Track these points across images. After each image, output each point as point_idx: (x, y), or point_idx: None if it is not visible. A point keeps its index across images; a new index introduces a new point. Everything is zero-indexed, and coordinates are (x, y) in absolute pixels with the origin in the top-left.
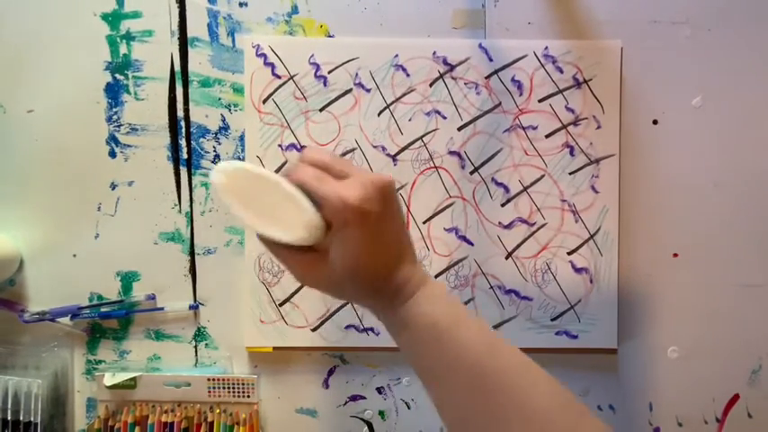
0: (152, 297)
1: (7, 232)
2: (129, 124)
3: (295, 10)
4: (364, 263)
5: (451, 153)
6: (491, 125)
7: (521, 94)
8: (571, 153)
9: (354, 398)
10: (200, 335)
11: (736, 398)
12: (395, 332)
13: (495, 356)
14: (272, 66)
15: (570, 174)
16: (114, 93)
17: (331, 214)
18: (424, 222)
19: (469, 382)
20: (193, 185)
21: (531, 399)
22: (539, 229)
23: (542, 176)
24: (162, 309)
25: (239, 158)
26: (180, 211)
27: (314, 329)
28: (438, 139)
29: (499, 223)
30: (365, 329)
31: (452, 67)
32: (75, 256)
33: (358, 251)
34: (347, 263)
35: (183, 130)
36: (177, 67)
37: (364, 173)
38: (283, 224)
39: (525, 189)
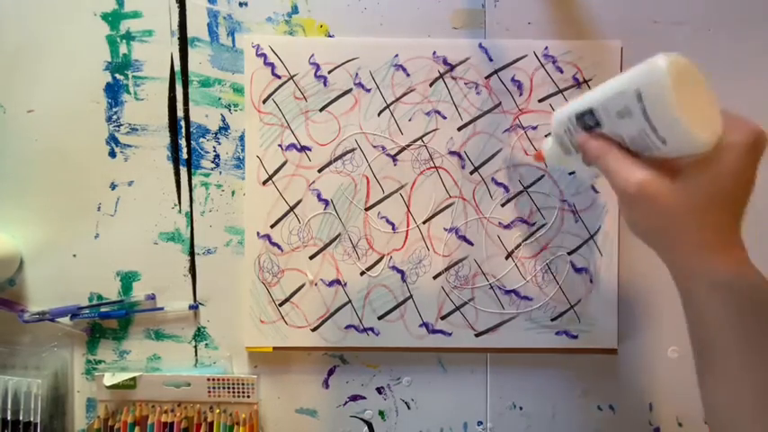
0: (152, 297)
1: (7, 232)
2: (129, 124)
3: (295, 10)
4: (730, 195)
5: (451, 153)
6: (491, 125)
7: (521, 94)
8: None
9: (354, 398)
10: (200, 335)
11: None
12: (709, 298)
13: None
14: (272, 66)
15: (570, 174)
16: (114, 93)
17: (738, 131)
18: (423, 222)
19: None
20: (193, 185)
21: None
22: (539, 229)
23: (542, 176)
24: (162, 309)
25: (240, 158)
26: (180, 211)
27: (314, 329)
28: (438, 139)
29: (499, 223)
30: (365, 329)
31: (452, 67)
32: (75, 256)
33: (735, 179)
34: (718, 186)
35: (183, 130)
36: (177, 67)
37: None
38: (698, 125)
39: (525, 189)
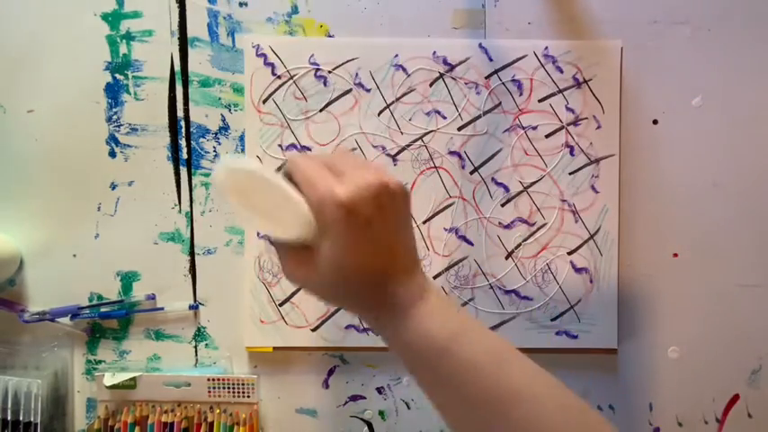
0: (152, 297)
1: (7, 232)
2: (129, 124)
3: (295, 10)
4: (350, 264)
5: (451, 153)
6: (491, 125)
7: (521, 94)
8: (571, 153)
9: (354, 398)
10: (200, 335)
11: (736, 398)
12: (392, 345)
13: (502, 371)
14: (272, 66)
15: (570, 174)
16: (114, 93)
17: (319, 210)
18: (424, 222)
19: (473, 399)
20: (193, 185)
21: (544, 415)
22: (539, 229)
23: (542, 176)
24: (162, 309)
25: (239, 153)
26: (180, 211)
27: (314, 329)
28: (438, 139)
29: (499, 223)
30: (365, 329)
31: (452, 67)
32: (75, 256)
33: (344, 251)
34: (333, 262)
35: (183, 130)
36: (177, 67)
37: (366, 171)
38: (281, 222)
39: (525, 189)
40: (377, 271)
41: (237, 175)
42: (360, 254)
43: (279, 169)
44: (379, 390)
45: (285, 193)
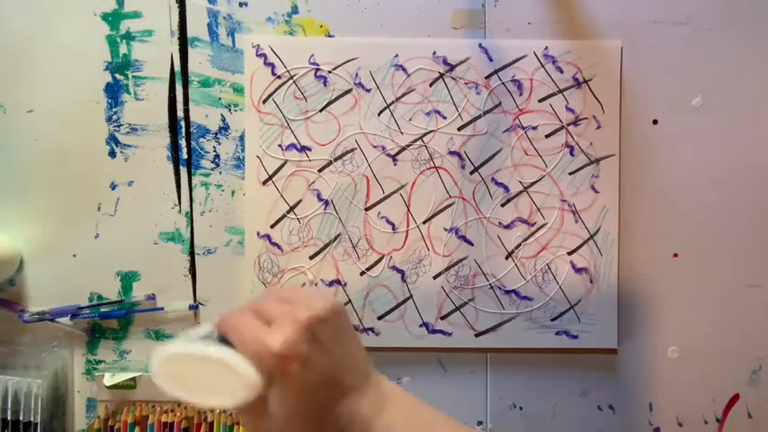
0: (152, 297)
1: (7, 232)
2: (129, 124)
3: (295, 10)
4: (302, 407)
5: (451, 153)
6: (491, 125)
7: (521, 94)
8: (571, 153)
9: None
10: None
11: (736, 398)
12: None
13: None
14: (272, 66)
15: (570, 174)
16: (114, 93)
17: (258, 365)
18: (423, 222)
19: None
20: (193, 185)
21: None
22: (539, 229)
23: (542, 176)
24: (162, 309)
25: (240, 158)
26: (180, 211)
27: None
28: (438, 139)
29: (499, 223)
30: (365, 329)
31: (452, 67)
32: (75, 256)
33: (292, 397)
34: (286, 412)
35: (183, 130)
36: (177, 67)
37: (294, 308)
38: (228, 389)
39: (525, 189)
40: (330, 400)
41: (171, 364)
42: (308, 392)
43: (207, 337)
44: None
45: (222, 362)
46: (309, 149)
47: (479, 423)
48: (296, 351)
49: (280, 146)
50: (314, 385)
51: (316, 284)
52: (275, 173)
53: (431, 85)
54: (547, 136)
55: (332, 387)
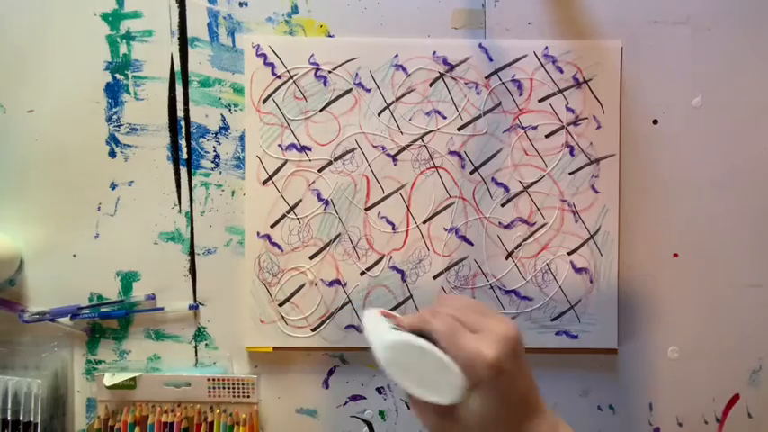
0: (152, 297)
1: (7, 232)
2: (129, 124)
3: (295, 10)
4: (495, 418)
5: (451, 153)
6: (491, 125)
7: (521, 94)
8: (571, 153)
9: (354, 398)
10: (200, 335)
11: (736, 398)
12: None
13: None
14: (272, 66)
15: (570, 174)
16: (114, 93)
17: (469, 370)
18: (424, 222)
19: None
20: (193, 185)
21: None
22: (539, 229)
23: (542, 176)
24: (162, 309)
25: (240, 158)
26: (180, 211)
27: (314, 329)
28: (438, 139)
29: (499, 223)
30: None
31: (452, 67)
32: (75, 256)
33: (491, 408)
34: (479, 419)
35: (183, 130)
36: (177, 67)
37: (495, 324)
38: (436, 386)
39: (525, 189)
40: (518, 419)
41: (396, 348)
42: (506, 407)
43: (397, 328)
44: (379, 390)
45: (440, 360)
46: (309, 149)
47: None
48: (505, 363)
49: (280, 146)
50: (513, 400)
51: (316, 284)
52: (275, 173)
53: (431, 85)
54: (547, 136)
55: (524, 405)
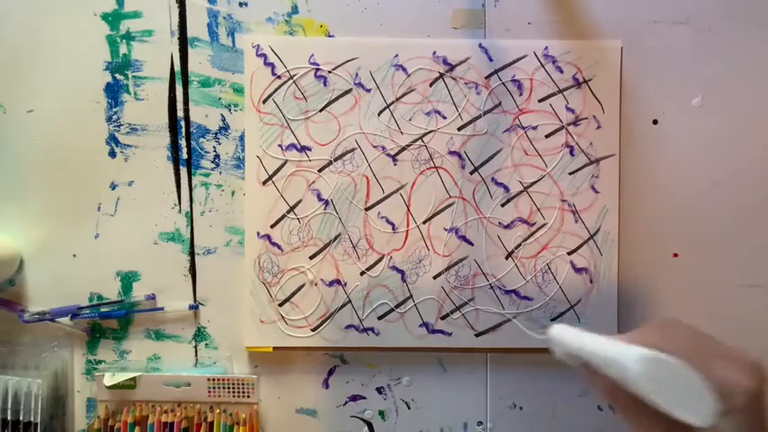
0: (152, 297)
1: (7, 232)
2: (129, 124)
3: (295, 10)
4: None
5: (451, 153)
6: (491, 125)
7: (521, 94)
8: (571, 153)
9: (354, 398)
10: (200, 335)
11: None
12: None
13: None
14: (272, 66)
15: (570, 174)
16: (114, 93)
17: (723, 396)
18: (424, 222)
19: None
20: (193, 185)
21: None
22: (539, 229)
23: (542, 176)
24: (162, 309)
25: (240, 158)
26: (180, 211)
27: (314, 329)
28: (438, 139)
29: (499, 223)
30: (365, 329)
31: (452, 67)
32: (75, 256)
33: None
34: None
35: (183, 130)
36: (177, 67)
37: (737, 351)
38: (686, 407)
39: (525, 189)
40: None
41: (651, 363)
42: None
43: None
44: (379, 390)
45: (695, 382)
46: (309, 149)
47: (479, 423)
48: (763, 391)
49: (280, 146)
50: (763, 426)
51: (316, 284)
52: (275, 173)
53: (431, 85)
54: (547, 136)
55: None
